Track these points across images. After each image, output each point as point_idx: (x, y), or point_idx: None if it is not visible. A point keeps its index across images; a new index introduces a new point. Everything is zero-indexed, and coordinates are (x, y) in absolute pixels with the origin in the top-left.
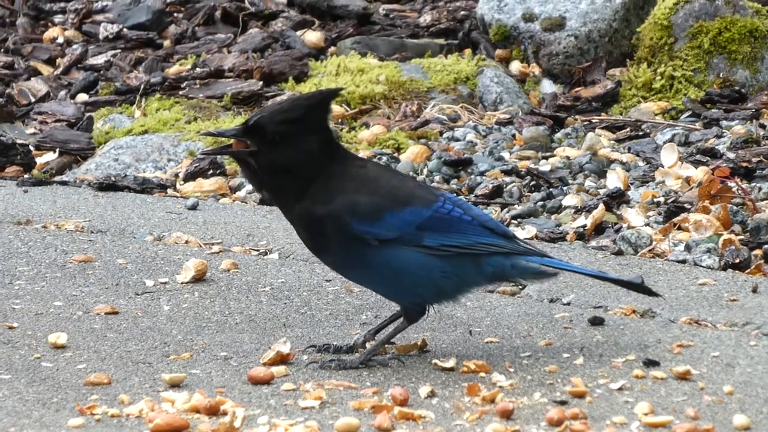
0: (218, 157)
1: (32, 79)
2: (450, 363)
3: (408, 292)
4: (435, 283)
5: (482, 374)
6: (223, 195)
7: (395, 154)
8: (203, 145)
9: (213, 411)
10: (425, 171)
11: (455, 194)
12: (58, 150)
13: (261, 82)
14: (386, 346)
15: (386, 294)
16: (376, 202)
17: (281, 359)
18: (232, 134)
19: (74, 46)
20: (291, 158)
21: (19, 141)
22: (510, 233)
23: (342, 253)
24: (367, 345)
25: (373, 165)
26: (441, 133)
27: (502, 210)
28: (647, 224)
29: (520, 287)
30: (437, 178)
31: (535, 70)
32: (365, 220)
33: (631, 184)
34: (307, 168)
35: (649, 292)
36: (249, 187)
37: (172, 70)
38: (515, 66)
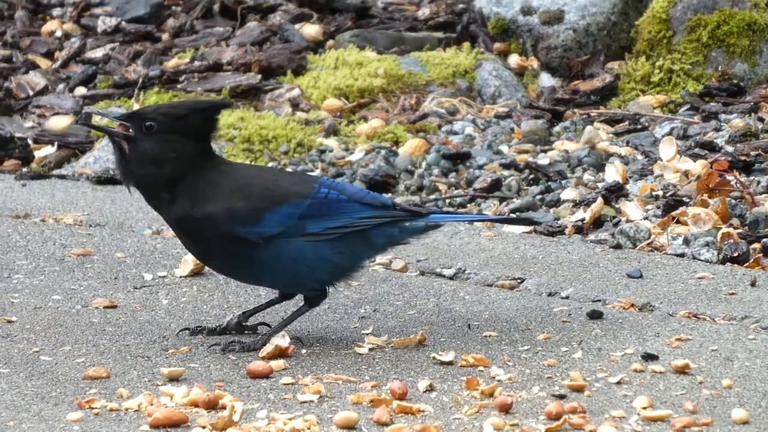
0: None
1: (30, 72)
2: (449, 357)
3: (304, 280)
4: (330, 264)
5: (481, 368)
6: None
7: (394, 148)
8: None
9: (212, 405)
10: (423, 164)
11: (454, 188)
12: (56, 144)
13: (259, 76)
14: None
15: (282, 287)
16: (252, 204)
17: (280, 353)
18: (116, 117)
19: (72, 40)
20: (160, 151)
21: (17, 134)
22: (389, 202)
23: (228, 257)
24: (262, 328)
25: (244, 166)
26: (439, 127)
27: (500, 203)
28: (646, 218)
29: (518, 281)
30: (435, 171)
31: (534, 63)
32: (246, 222)
33: (630, 177)
34: (173, 167)
35: (530, 222)
36: None
37: (171, 63)
38: (514, 59)
